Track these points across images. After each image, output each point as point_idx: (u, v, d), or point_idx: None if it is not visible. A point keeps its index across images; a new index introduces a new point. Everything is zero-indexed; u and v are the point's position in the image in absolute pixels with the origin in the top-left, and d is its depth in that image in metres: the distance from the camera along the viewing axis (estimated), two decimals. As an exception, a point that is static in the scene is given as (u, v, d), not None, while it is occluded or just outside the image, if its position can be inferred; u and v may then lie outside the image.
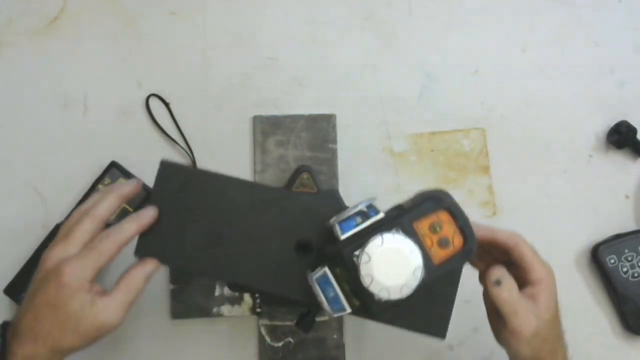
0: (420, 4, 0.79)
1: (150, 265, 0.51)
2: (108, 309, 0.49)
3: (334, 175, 0.73)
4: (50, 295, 0.48)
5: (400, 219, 0.47)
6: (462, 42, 0.78)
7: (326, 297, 0.48)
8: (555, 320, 0.54)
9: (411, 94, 0.77)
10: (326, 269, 0.48)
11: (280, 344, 0.69)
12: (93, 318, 0.48)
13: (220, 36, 0.77)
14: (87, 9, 0.76)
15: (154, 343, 0.69)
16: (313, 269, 0.49)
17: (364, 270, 0.46)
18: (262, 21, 0.77)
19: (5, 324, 0.50)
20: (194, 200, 0.53)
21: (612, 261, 0.71)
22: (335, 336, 0.69)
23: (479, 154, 0.76)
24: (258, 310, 0.69)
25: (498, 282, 0.51)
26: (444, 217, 0.48)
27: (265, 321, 0.69)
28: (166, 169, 0.54)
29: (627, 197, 0.76)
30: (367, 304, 0.47)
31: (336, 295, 0.48)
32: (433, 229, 0.48)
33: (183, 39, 0.76)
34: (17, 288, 0.68)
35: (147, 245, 0.52)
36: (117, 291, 0.50)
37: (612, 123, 0.76)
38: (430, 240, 0.47)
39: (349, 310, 0.48)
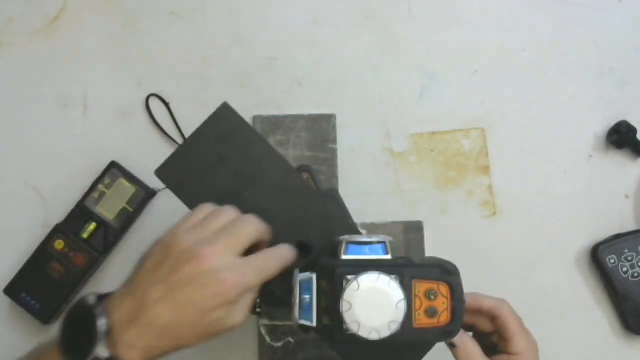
0: (420, 4, 0.79)
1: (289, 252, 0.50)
2: (239, 320, 0.48)
3: (334, 175, 0.73)
4: (204, 299, 0.45)
5: (404, 269, 0.47)
6: (462, 42, 0.78)
7: (300, 301, 0.48)
8: None
9: (411, 94, 0.77)
10: (314, 277, 0.48)
11: (280, 344, 0.69)
12: (226, 329, 0.47)
13: (220, 36, 0.77)
14: (87, 9, 0.76)
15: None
16: (302, 270, 0.50)
17: (347, 299, 0.45)
18: (262, 21, 0.77)
19: (102, 298, 0.47)
20: (233, 151, 0.53)
21: (612, 261, 0.71)
22: (335, 336, 0.69)
23: (479, 154, 0.76)
24: (258, 310, 0.69)
25: (452, 345, 0.51)
26: (443, 289, 0.48)
27: (265, 321, 0.69)
28: (223, 111, 0.55)
29: (627, 197, 0.76)
30: (334, 329, 0.47)
31: (310, 304, 0.48)
32: (428, 295, 0.47)
33: (183, 39, 0.76)
34: (17, 288, 0.68)
35: (171, 169, 0.52)
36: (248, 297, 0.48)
37: (612, 123, 0.76)
38: (420, 304, 0.47)
39: (314, 324, 0.48)
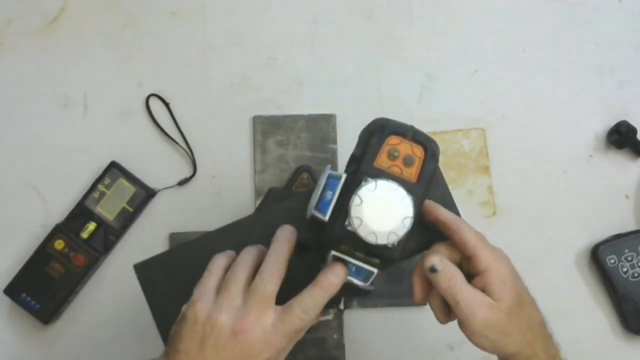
0: (420, 4, 0.79)
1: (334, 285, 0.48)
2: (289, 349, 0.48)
3: (334, 175, 0.73)
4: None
5: (361, 168, 0.47)
6: (462, 42, 0.78)
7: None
8: (519, 311, 0.49)
9: (411, 94, 0.77)
10: (333, 253, 0.48)
11: (280, 344, 0.69)
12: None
13: (220, 36, 0.77)
14: (87, 9, 0.76)
15: (153, 343, 0.69)
16: (322, 261, 0.49)
17: (363, 232, 0.45)
18: (262, 21, 0.77)
19: None
20: (185, 277, 0.52)
21: (612, 261, 0.71)
22: (335, 336, 0.69)
23: (479, 154, 0.76)
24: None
25: (432, 270, 0.48)
26: (394, 140, 0.48)
27: (265, 321, 0.69)
28: (142, 271, 0.53)
29: (627, 197, 0.76)
30: (385, 256, 0.47)
31: (357, 267, 0.48)
32: (392, 156, 0.47)
33: (183, 39, 0.76)
34: (17, 288, 0.68)
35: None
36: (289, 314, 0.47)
37: (612, 123, 0.76)
38: (398, 167, 0.47)
39: (375, 270, 0.48)
